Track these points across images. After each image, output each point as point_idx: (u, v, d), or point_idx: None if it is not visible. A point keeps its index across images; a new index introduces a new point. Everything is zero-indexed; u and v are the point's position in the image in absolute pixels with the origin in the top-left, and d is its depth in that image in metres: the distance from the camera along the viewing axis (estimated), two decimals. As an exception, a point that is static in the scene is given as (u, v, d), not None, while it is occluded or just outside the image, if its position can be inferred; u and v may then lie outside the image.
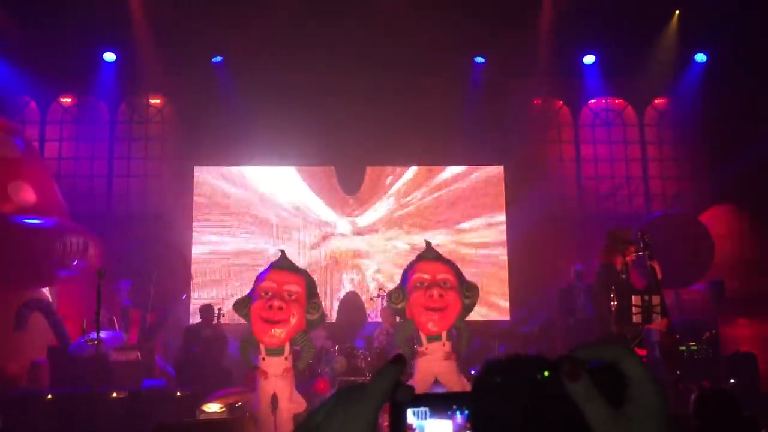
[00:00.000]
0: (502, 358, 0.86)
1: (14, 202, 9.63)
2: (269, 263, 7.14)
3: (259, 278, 6.97)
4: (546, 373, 0.80)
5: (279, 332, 6.70)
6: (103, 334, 6.86)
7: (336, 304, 11.84)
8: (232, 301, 10.08)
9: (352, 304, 11.82)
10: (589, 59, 12.48)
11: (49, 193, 10.23)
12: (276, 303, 6.68)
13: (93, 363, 7.00)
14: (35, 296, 9.19)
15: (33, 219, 9.52)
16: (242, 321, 7.85)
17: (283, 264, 7.03)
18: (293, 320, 6.73)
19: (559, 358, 0.81)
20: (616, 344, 0.82)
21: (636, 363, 0.80)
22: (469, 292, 7.10)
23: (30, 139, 11.05)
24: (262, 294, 6.78)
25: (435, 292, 6.88)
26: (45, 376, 8.63)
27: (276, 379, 6.70)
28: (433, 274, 7.02)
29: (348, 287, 12.09)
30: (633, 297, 6.15)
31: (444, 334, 6.95)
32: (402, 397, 0.86)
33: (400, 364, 0.87)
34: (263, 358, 6.75)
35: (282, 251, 7.22)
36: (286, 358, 6.78)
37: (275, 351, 6.73)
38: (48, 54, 11.59)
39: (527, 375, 0.81)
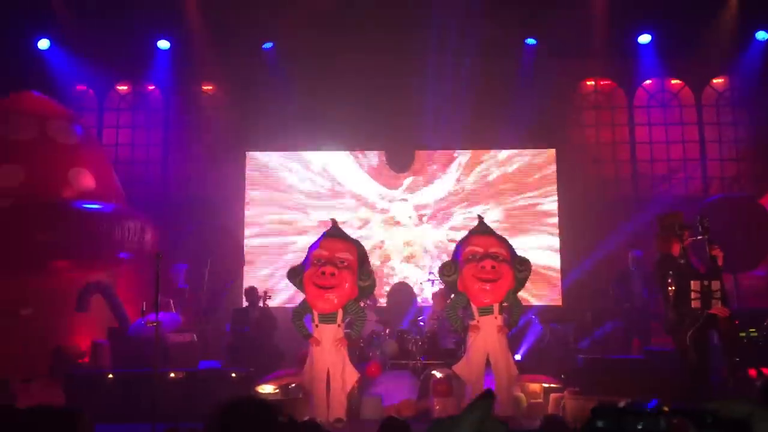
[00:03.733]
0: (610, 405, 0.87)
1: (74, 188, 9.93)
2: (322, 232, 7.23)
3: (312, 247, 7.08)
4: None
5: (332, 297, 6.81)
6: (161, 316, 7.03)
7: (386, 289, 11.88)
8: (284, 284, 10.26)
9: (402, 287, 11.85)
10: (644, 39, 12.15)
11: (107, 179, 10.51)
12: (328, 269, 6.79)
13: (151, 344, 7.18)
14: (96, 279, 9.46)
15: (92, 204, 9.80)
16: (289, 304, 7.98)
17: (335, 232, 7.14)
18: (346, 286, 6.82)
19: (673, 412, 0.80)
20: (751, 403, 0.80)
21: None
22: (521, 266, 7.08)
23: (88, 127, 11.36)
24: (315, 261, 6.90)
25: (487, 263, 6.89)
26: (106, 356, 8.90)
27: (329, 350, 6.77)
28: (485, 247, 7.02)
29: (398, 271, 12.13)
30: (692, 282, 6.02)
31: (496, 307, 6.94)
32: (493, 430, 0.87)
33: (490, 398, 0.87)
34: (317, 325, 6.85)
35: (333, 220, 7.32)
36: (339, 326, 6.87)
37: (328, 317, 6.83)
38: (105, 43, 11.85)
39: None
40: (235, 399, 2.32)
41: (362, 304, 7.46)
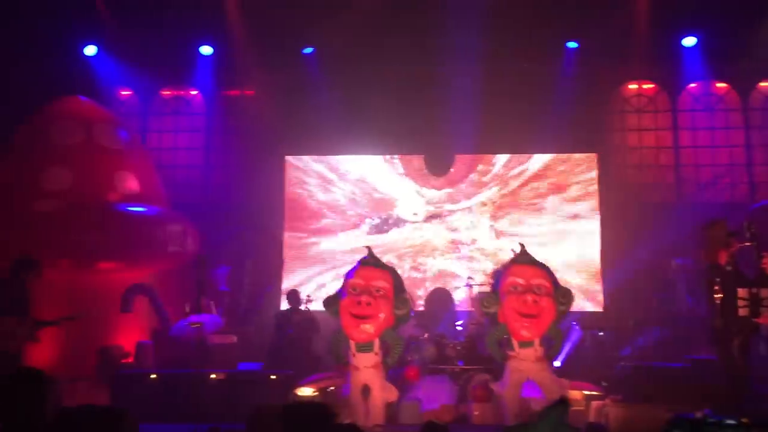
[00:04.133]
0: (686, 416, 0.85)
1: (119, 192, 10.13)
2: (357, 261, 7.20)
3: (348, 275, 7.07)
4: None
5: (368, 327, 6.78)
6: (203, 317, 7.12)
7: (425, 293, 11.85)
8: (323, 288, 10.31)
9: (440, 292, 11.81)
10: (689, 41, 11.92)
11: (151, 183, 10.69)
12: (364, 299, 6.76)
13: (193, 345, 7.28)
14: (140, 281, 9.62)
15: (137, 207, 9.98)
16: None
17: (370, 261, 7.10)
18: (382, 316, 6.79)
19: None
20: None
21: None
22: (564, 299, 6.94)
23: (133, 131, 11.58)
24: (351, 290, 6.88)
25: (529, 297, 6.76)
26: (149, 356, 9.04)
27: (367, 370, 6.78)
28: (527, 278, 6.88)
29: (437, 275, 12.09)
30: (739, 289, 5.89)
31: (536, 341, 6.84)
32: None
33: (564, 405, 0.87)
34: (353, 355, 6.85)
35: (369, 248, 7.28)
36: (376, 354, 6.85)
37: (365, 347, 6.81)
38: (149, 49, 12.08)
39: None
40: (293, 402, 2.53)
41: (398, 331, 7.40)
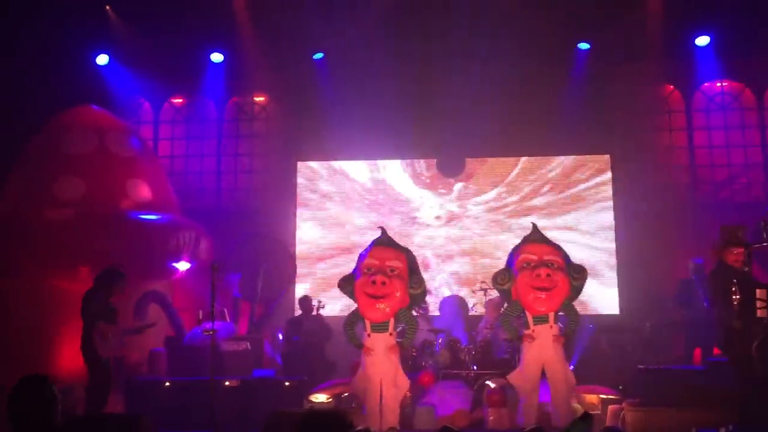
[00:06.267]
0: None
1: (132, 199, 10.17)
2: (371, 241, 7.21)
3: (362, 256, 7.07)
4: None
5: (383, 306, 6.79)
6: (216, 325, 7.12)
7: (438, 298, 11.79)
8: (336, 294, 10.26)
9: (454, 298, 11.75)
10: (702, 41, 11.80)
11: (163, 190, 10.73)
12: (379, 278, 6.78)
13: (207, 352, 7.27)
14: (152, 289, 9.64)
15: (149, 215, 10.01)
16: (341, 314, 7.94)
17: (384, 241, 7.11)
18: (397, 295, 6.80)
19: None
20: None
21: None
22: (577, 274, 6.95)
23: (145, 139, 11.63)
24: (365, 270, 6.89)
25: (542, 271, 6.78)
26: (163, 364, 9.05)
27: (381, 359, 6.75)
28: (540, 254, 6.91)
29: (450, 280, 12.04)
30: (757, 290, 5.80)
31: (551, 316, 6.81)
32: None
33: (588, 420, 0.83)
34: (369, 335, 6.83)
35: (382, 228, 7.29)
36: (390, 334, 6.85)
37: (380, 326, 6.81)
38: (160, 58, 12.14)
39: None
40: (312, 410, 2.54)
41: (414, 313, 7.42)
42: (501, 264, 7.59)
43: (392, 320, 6.89)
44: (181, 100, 13.35)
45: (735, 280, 5.95)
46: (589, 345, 9.38)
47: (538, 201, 12.13)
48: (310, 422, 2.49)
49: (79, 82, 11.73)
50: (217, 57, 12.53)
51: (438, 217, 12.29)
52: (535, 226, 7.27)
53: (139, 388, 8.04)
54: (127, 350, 8.07)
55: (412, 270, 7.01)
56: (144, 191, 10.38)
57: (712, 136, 12.36)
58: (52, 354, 9.06)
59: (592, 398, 7.95)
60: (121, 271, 7.30)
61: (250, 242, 11.47)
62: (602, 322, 10.39)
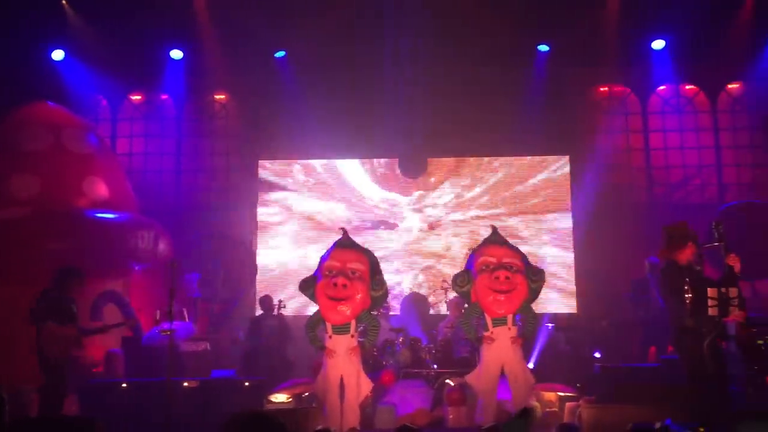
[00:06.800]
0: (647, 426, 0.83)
1: (89, 197, 9.99)
2: (332, 243, 7.19)
3: (323, 258, 7.04)
4: None
5: (345, 309, 6.76)
6: (174, 325, 7.02)
7: (400, 297, 11.83)
8: (296, 293, 10.21)
9: (415, 296, 11.80)
10: (658, 44, 12.07)
11: (121, 188, 10.56)
12: (340, 281, 6.75)
13: (165, 353, 7.17)
14: (109, 288, 9.48)
15: (106, 213, 9.84)
16: (303, 313, 7.91)
17: (345, 242, 7.08)
18: (358, 297, 6.78)
19: None
20: None
21: None
22: (535, 276, 7.02)
23: (102, 136, 11.42)
24: (327, 273, 6.85)
25: (501, 274, 6.84)
26: (120, 365, 8.91)
27: (343, 360, 6.74)
28: (499, 257, 6.97)
29: (412, 279, 12.09)
30: (709, 289, 5.94)
31: (510, 318, 6.88)
32: None
33: (528, 416, 0.85)
34: (330, 336, 6.81)
35: (344, 229, 7.27)
36: (352, 336, 6.84)
37: (342, 329, 6.80)
38: (118, 54, 11.96)
39: None
40: (246, 414, 2.44)
41: (375, 313, 7.42)
42: (460, 263, 7.65)
43: (354, 322, 6.88)
44: (139, 97, 13.16)
45: (687, 279, 6.08)
46: (547, 344, 9.50)
47: (497, 201, 12.25)
48: (232, 425, 2.41)
49: (34, 78, 11.50)
50: (176, 54, 12.38)
51: (399, 217, 12.32)
52: (494, 228, 7.34)
53: (94, 389, 7.89)
54: (82, 351, 7.87)
55: (374, 271, 6.99)
56: (101, 189, 10.19)
57: (667, 138, 12.63)
58: (8, 356, 8.84)
59: (550, 396, 8.05)
60: (78, 269, 7.15)
61: (210, 241, 11.36)
62: (560, 321, 10.53)
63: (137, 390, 7.74)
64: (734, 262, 6.06)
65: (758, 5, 11.53)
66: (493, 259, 6.95)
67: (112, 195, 10.23)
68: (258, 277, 11.93)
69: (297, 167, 12.48)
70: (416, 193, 12.37)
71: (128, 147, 12.95)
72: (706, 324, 6.00)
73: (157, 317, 7.08)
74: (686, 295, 5.99)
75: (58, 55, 12.11)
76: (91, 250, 9.10)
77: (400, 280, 12.04)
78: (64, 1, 11.74)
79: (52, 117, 10.34)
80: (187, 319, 9.84)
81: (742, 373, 6.48)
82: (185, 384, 7.73)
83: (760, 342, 7.75)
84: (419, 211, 12.34)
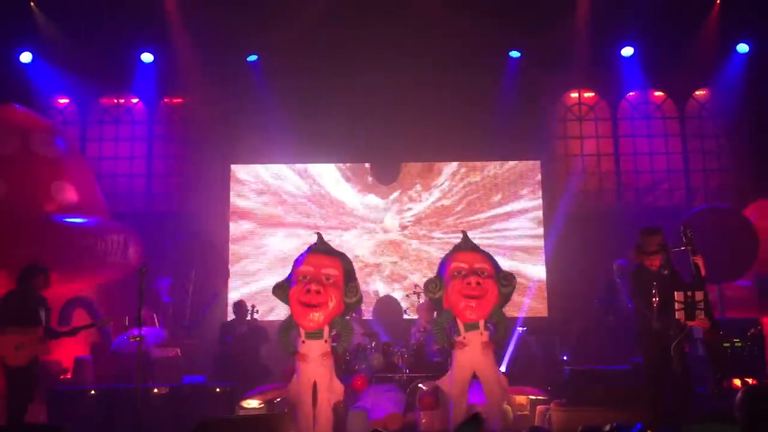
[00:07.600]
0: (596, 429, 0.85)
1: (57, 202, 9.84)
2: (307, 247, 7.15)
3: (297, 262, 6.98)
4: None
5: (317, 316, 6.72)
6: (144, 330, 6.95)
7: (372, 302, 11.84)
8: (270, 298, 10.15)
9: (388, 300, 11.82)
10: (627, 51, 12.26)
11: (90, 193, 10.43)
12: (314, 287, 6.70)
13: (135, 359, 7.09)
14: (78, 294, 9.35)
15: (75, 218, 9.71)
16: (276, 318, 7.86)
17: (320, 247, 7.04)
18: (331, 304, 6.74)
19: None
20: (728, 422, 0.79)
21: None
22: (506, 281, 7.06)
23: (71, 140, 11.26)
24: (300, 278, 6.81)
25: (472, 279, 6.86)
26: (89, 371, 8.79)
27: (315, 364, 6.71)
28: (470, 263, 7.00)
29: (384, 284, 12.10)
30: (675, 293, 6.03)
31: (481, 323, 6.92)
32: None
33: (478, 421, 0.86)
34: (303, 341, 6.78)
35: (319, 234, 7.23)
36: (325, 341, 6.81)
37: (315, 334, 6.75)
38: (88, 56, 11.82)
39: None
40: (213, 419, 2.41)
41: (348, 317, 7.40)
42: (433, 266, 7.66)
43: (327, 327, 6.86)
44: (109, 101, 13.00)
45: (655, 283, 6.17)
46: (519, 347, 9.56)
47: (469, 206, 12.32)
48: None
49: (1, 81, 11.30)
50: (147, 57, 12.26)
51: (372, 222, 12.33)
52: (465, 234, 7.37)
53: (62, 396, 7.77)
54: (48, 354, 7.74)
55: (348, 278, 6.96)
56: (70, 193, 10.05)
57: (636, 144, 12.82)
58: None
59: (521, 399, 8.10)
60: (40, 266, 7.00)
61: (181, 246, 11.25)
62: (531, 324, 10.60)
63: (106, 397, 7.65)
64: (701, 265, 6.17)
65: (724, 15, 11.76)
66: (464, 265, 6.98)
67: (81, 199, 10.10)
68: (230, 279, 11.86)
69: (269, 171, 12.43)
70: (390, 198, 12.39)
71: (98, 151, 12.79)
72: (673, 327, 6.10)
73: (126, 323, 6.99)
74: (654, 299, 6.09)
75: (26, 57, 11.93)
76: (59, 255, 8.97)
77: (373, 284, 12.04)
78: (32, 3, 11.57)
79: (19, 120, 10.17)
80: (157, 325, 9.74)
81: (707, 375, 6.60)
82: (155, 390, 7.66)
83: (726, 345, 7.91)
84: (392, 216, 12.35)
